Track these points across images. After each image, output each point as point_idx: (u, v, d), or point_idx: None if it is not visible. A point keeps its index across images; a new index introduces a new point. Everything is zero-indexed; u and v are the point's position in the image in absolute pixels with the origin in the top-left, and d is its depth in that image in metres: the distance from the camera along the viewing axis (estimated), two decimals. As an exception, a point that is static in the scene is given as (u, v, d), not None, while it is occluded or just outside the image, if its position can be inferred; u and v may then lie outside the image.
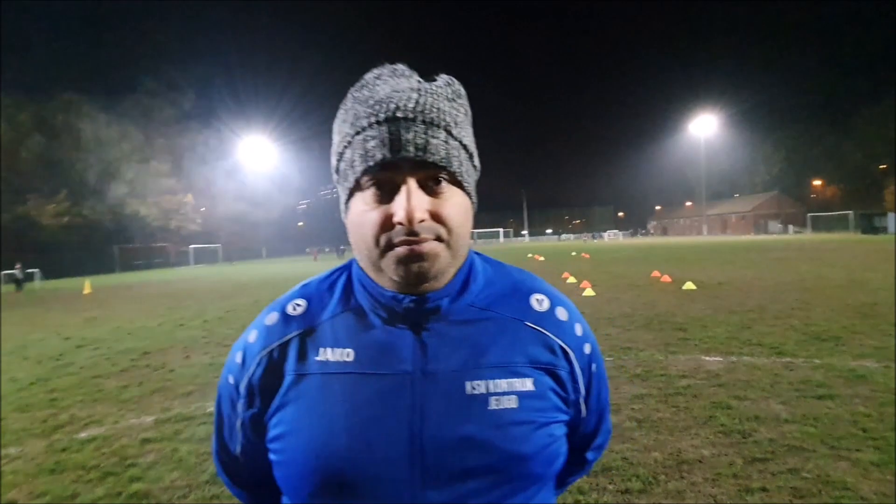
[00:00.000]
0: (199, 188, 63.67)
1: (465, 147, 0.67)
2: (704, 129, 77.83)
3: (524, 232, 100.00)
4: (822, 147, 66.91)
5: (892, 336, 6.27)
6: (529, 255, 33.06)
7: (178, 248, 57.12)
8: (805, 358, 5.46)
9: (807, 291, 10.40)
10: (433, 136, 0.62)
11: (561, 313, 0.71)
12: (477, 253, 0.76)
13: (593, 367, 0.74)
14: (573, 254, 33.07)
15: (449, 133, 0.64)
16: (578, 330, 0.72)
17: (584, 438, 0.78)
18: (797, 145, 70.33)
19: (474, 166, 0.70)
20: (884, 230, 46.12)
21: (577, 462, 0.79)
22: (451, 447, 0.60)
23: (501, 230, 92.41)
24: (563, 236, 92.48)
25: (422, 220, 0.60)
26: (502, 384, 0.63)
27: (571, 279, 14.80)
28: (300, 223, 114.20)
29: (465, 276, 0.69)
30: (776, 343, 6.17)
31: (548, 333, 0.68)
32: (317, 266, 33.99)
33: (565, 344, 0.69)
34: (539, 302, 0.71)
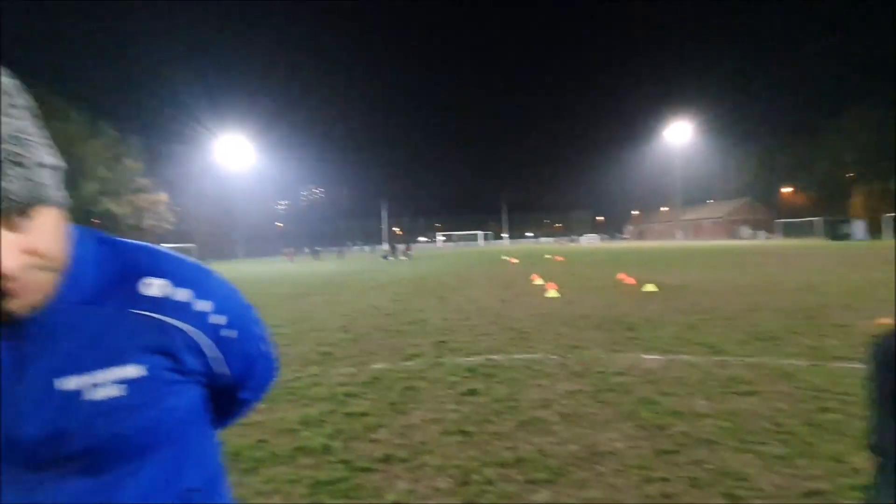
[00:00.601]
0: (174, 187, 62.48)
1: (43, 164, 0.62)
2: (679, 135, 79.52)
3: (504, 235, 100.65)
4: (792, 155, 68.97)
5: (829, 336, 6.50)
6: (504, 258, 33.27)
7: (151, 248, 55.78)
8: (739, 356, 5.62)
9: (761, 294, 10.70)
10: (6, 180, 0.56)
11: (179, 294, 0.73)
12: (91, 232, 0.75)
13: (226, 332, 0.77)
14: (547, 257, 33.38)
15: (21, 164, 0.58)
16: (202, 306, 0.74)
17: (233, 387, 0.85)
18: (768, 153, 72.36)
19: (54, 168, 0.65)
20: (849, 237, 47.69)
21: (231, 404, 0.89)
22: (42, 441, 0.64)
23: (481, 233, 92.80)
24: (542, 239, 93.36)
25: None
26: (103, 376, 0.66)
27: (539, 281, 14.95)
28: (278, 224, 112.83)
29: (66, 276, 0.68)
30: (716, 342, 6.34)
31: (157, 316, 0.70)
32: (291, 267, 33.64)
33: (182, 322, 0.72)
34: (148, 286, 0.72)
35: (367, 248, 78.19)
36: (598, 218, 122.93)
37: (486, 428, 3.74)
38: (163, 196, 58.06)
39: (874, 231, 48.20)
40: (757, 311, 8.66)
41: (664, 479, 2.90)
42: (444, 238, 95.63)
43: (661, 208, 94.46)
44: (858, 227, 49.09)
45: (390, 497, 2.76)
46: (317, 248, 57.19)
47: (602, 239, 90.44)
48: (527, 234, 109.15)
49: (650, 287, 12.20)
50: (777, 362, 5.34)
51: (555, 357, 5.94)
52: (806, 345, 6.09)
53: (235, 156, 73.06)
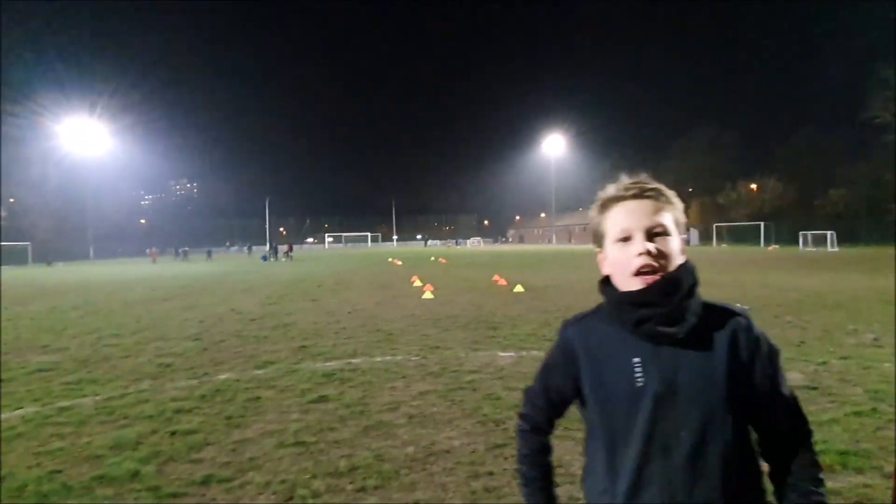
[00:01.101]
0: (5, 175, 52.65)
1: None
2: (554, 147, 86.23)
3: (395, 237, 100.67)
4: (645, 170, 77.94)
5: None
6: (390, 260, 33.20)
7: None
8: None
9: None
10: None
11: None
12: None
13: None
14: (432, 259, 33.99)
15: None
16: None
17: None
18: (627, 167, 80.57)
19: None
20: (687, 243, 55.34)
21: None
22: None
23: (369, 234, 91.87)
24: (430, 242, 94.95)
25: None
26: None
27: (418, 283, 15.09)
28: (142, 220, 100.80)
29: None
30: (565, 338, 6.86)
31: None
32: (153, 269, 30.13)
33: None
34: None
35: (242, 249, 72.66)
36: (484, 222, 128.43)
37: (326, 437, 3.59)
38: (-13, 186, 48.54)
39: (706, 238, 56.64)
40: (605, 308, 9.59)
41: (490, 474, 3.00)
42: (332, 239, 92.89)
43: (541, 214, 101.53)
44: (694, 235, 57.44)
45: (196, 524, 2.50)
46: (185, 249, 51.79)
47: (486, 242, 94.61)
48: (417, 236, 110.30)
49: (519, 288, 12.94)
50: None
51: (416, 358, 5.97)
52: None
53: (88, 142, 63.59)
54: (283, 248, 45.05)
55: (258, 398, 4.49)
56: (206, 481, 2.94)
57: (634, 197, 1.04)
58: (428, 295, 12.03)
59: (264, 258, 40.56)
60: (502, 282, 14.75)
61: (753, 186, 61.77)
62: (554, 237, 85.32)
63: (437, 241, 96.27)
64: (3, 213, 49.90)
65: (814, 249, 36.33)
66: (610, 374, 1.04)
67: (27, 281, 22.18)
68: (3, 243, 45.26)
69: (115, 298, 13.33)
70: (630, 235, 1.01)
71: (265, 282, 18.02)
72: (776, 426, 1.07)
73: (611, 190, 1.08)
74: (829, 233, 37.34)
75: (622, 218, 1.03)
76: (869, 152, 50.83)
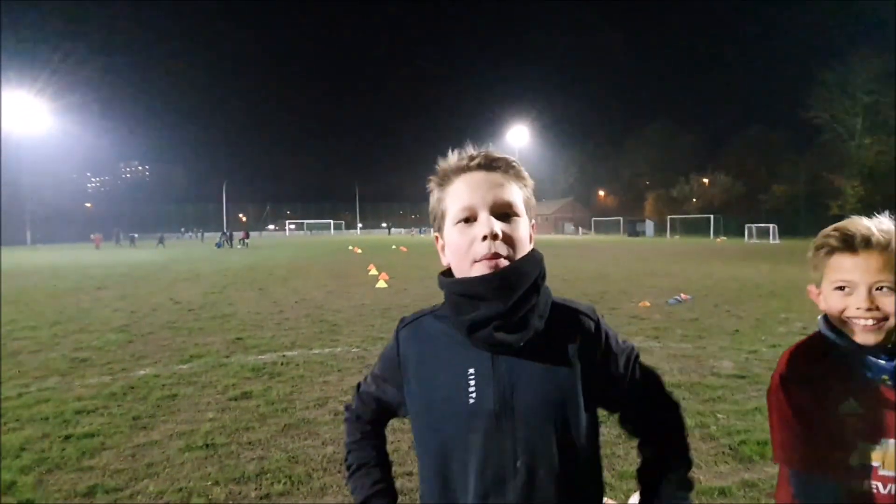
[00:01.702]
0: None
1: None
2: (518, 138, 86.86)
3: (359, 225, 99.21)
4: (603, 163, 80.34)
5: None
6: (350, 248, 32.62)
7: None
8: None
9: (563, 282, 12.02)
10: None
11: None
12: None
13: None
14: (393, 247, 33.63)
15: None
16: None
17: None
18: (587, 160, 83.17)
19: None
20: (643, 233, 57.29)
21: None
22: None
23: (332, 222, 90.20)
24: (394, 230, 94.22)
25: None
26: None
27: (374, 271, 14.79)
28: (88, 204, 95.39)
29: None
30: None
31: None
32: (94, 256, 28.44)
33: None
34: None
35: (196, 235, 69.81)
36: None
37: (240, 438, 3.34)
38: None
39: (661, 230, 58.53)
40: (555, 298, 9.62)
41: (410, 474, 2.84)
42: (293, 226, 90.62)
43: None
44: (649, 226, 59.26)
45: (66, 543, 2.22)
46: (133, 235, 49.17)
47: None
48: (382, 224, 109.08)
49: (474, 277, 12.86)
50: None
51: (356, 350, 5.76)
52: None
53: (26, 119, 59.16)
54: (238, 234, 43.52)
55: (174, 396, 4.17)
56: (90, 492, 2.65)
57: (480, 168, 0.86)
58: (382, 284, 11.78)
59: (218, 245, 39.06)
60: (458, 271, 14.66)
61: (705, 181, 64.20)
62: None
63: (402, 230, 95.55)
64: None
65: (758, 241, 38.10)
66: (441, 388, 0.86)
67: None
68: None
69: (41, 288, 12.40)
70: (473, 214, 0.83)
71: (213, 270, 17.27)
72: (638, 429, 0.96)
73: (452, 159, 0.88)
74: (771, 226, 39.25)
75: (465, 193, 0.85)
76: (809, 150, 53.67)
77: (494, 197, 0.83)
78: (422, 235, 73.43)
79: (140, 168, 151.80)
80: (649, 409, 0.95)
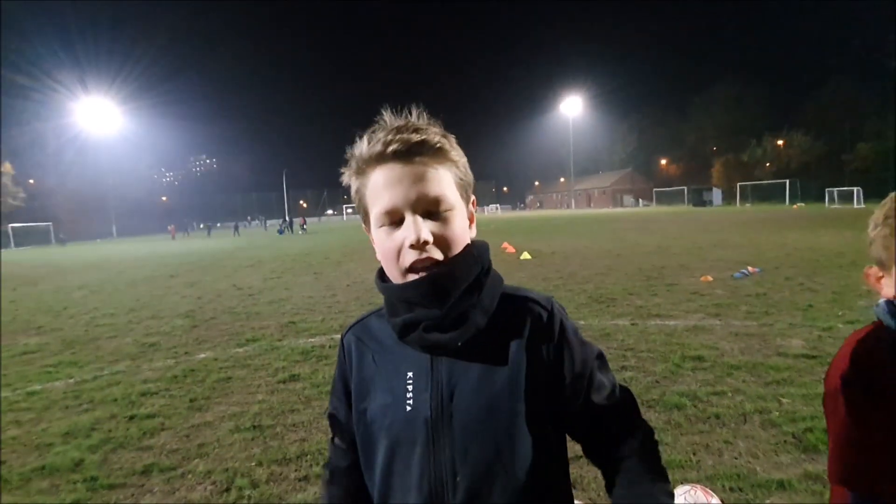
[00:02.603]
0: (23, 156, 53.71)
1: None
2: (572, 109, 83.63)
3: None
4: (665, 129, 75.85)
5: (657, 296, 7.06)
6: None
7: (-4, 228, 47.88)
8: (573, 320, 5.88)
9: (618, 258, 11.52)
10: None
11: None
12: None
13: None
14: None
15: None
16: None
17: None
18: (646, 127, 78.88)
19: None
20: (709, 203, 53.88)
21: None
22: None
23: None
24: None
25: None
26: None
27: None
28: (164, 197, 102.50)
29: None
30: (558, 308, 6.60)
31: None
32: (170, 246, 30.64)
33: None
34: None
35: (258, 223, 73.36)
36: (503, 188, 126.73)
37: (285, 420, 3.46)
38: (6, 167, 49.59)
39: (730, 198, 54.88)
40: (608, 274, 9.25)
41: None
42: (350, 210, 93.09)
43: (560, 179, 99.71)
44: (717, 195, 55.63)
45: (121, 519, 2.39)
46: (209, 224, 52.53)
47: (504, 209, 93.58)
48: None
49: (526, 255, 12.64)
50: (604, 323, 5.66)
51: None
52: (636, 305, 6.55)
53: (106, 121, 64.22)
54: (298, 220, 45.33)
55: (229, 378, 4.39)
56: (147, 470, 2.83)
57: (398, 157, 0.72)
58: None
59: (280, 231, 40.88)
60: (511, 249, 14.45)
61: (780, 142, 59.23)
62: (573, 202, 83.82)
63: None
64: (22, 195, 50.99)
65: (840, 206, 34.86)
66: (379, 394, 0.78)
67: (44, 261, 22.76)
68: (22, 225, 46.48)
69: (122, 277, 13.50)
70: (397, 217, 0.72)
71: (273, 256, 18.07)
72: (603, 456, 0.81)
73: (364, 146, 0.74)
74: (856, 189, 35.71)
75: (385, 192, 0.72)
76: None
77: (418, 193, 0.71)
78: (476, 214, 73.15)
79: (208, 161, 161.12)
80: (615, 430, 0.80)
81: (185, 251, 24.07)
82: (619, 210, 57.82)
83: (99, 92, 64.77)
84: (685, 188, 61.47)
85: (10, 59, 53.22)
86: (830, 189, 38.56)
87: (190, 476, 2.77)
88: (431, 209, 0.72)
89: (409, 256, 0.71)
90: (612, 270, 9.62)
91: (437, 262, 0.71)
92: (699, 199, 54.92)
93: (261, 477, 2.72)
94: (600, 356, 0.83)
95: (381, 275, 0.81)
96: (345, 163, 0.79)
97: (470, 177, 0.79)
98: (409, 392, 0.75)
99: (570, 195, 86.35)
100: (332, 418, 0.91)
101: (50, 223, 49.74)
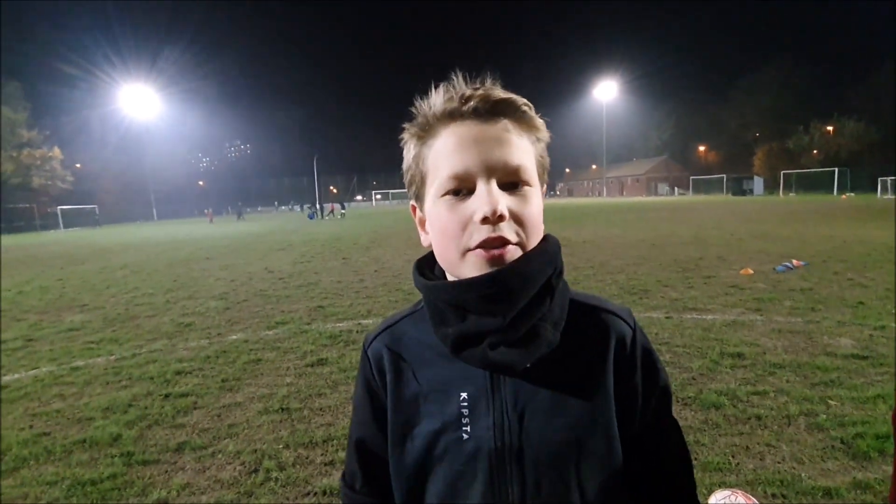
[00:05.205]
0: (70, 141, 56.07)
1: None
2: (606, 94, 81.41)
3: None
4: (704, 115, 72.95)
5: (693, 288, 6.81)
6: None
7: (46, 210, 50.44)
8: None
9: (651, 248, 11.18)
10: None
11: None
12: None
13: None
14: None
15: None
16: None
17: None
18: (684, 113, 76.05)
19: None
20: (750, 192, 51.75)
21: None
22: None
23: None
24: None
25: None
26: None
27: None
28: (200, 182, 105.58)
29: None
30: (589, 298, 6.45)
31: None
32: (206, 229, 31.55)
33: None
34: None
35: (293, 208, 74.77)
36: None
37: (312, 403, 3.49)
38: (55, 151, 51.93)
39: (772, 187, 52.57)
40: (641, 264, 8.99)
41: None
42: (380, 196, 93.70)
43: (592, 166, 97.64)
44: (758, 183, 53.36)
45: (154, 496, 2.44)
46: (246, 208, 54.03)
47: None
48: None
49: (555, 243, 12.41)
50: (637, 316, 5.35)
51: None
52: (670, 297, 6.33)
53: (146, 107, 66.33)
54: (328, 206, 46.08)
55: (259, 360, 4.46)
56: (180, 448, 2.90)
57: (477, 115, 0.59)
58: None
59: (311, 216, 41.57)
60: (538, 238, 14.23)
61: (829, 128, 56.17)
62: (605, 189, 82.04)
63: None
64: (70, 178, 53.42)
65: (893, 197, 32.88)
66: (425, 418, 0.66)
67: (90, 242, 23.80)
68: (70, 207, 48.68)
69: (161, 258, 13.98)
70: (469, 184, 0.59)
71: (304, 240, 18.36)
72: (651, 475, 0.69)
73: (437, 100, 0.62)
74: (913, 178, 33.64)
75: (456, 153, 0.59)
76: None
77: (497, 158, 0.58)
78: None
79: (242, 147, 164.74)
80: (663, 466, 0.69)
81: (219, 234, 24.74)
82: (653, 199, 56.23)
83: (139, 78, 66.91)
84: (724, 176, 59.22)
85: (60, 50, 55.45)
86: (884, 178, 36.41)
87: (220, 455, 2.82)
88: (511, 179, 0.60)
89: (478, 233, 0.58)
90: (646, 261, 9.34)
91: (511, 244, 0.59)
92: (739, 188, 52.81)
93: (287, 459, 2.74)
94: (670, 388, 0.71)
95: (421, 269, 0.68)
96: (372, 149, 0.68)
97: (548, 160, 0.67)
98: (465, 418, 0.63)
99: (602, 183, 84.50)
100: (361, 445, 0.74)
101: (95, 206, 51.98)
